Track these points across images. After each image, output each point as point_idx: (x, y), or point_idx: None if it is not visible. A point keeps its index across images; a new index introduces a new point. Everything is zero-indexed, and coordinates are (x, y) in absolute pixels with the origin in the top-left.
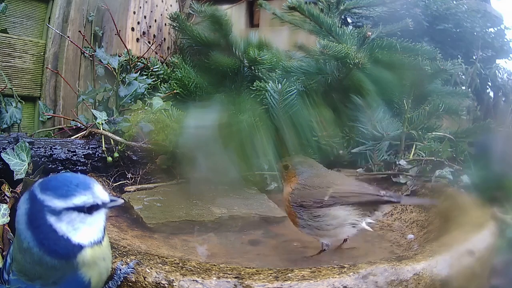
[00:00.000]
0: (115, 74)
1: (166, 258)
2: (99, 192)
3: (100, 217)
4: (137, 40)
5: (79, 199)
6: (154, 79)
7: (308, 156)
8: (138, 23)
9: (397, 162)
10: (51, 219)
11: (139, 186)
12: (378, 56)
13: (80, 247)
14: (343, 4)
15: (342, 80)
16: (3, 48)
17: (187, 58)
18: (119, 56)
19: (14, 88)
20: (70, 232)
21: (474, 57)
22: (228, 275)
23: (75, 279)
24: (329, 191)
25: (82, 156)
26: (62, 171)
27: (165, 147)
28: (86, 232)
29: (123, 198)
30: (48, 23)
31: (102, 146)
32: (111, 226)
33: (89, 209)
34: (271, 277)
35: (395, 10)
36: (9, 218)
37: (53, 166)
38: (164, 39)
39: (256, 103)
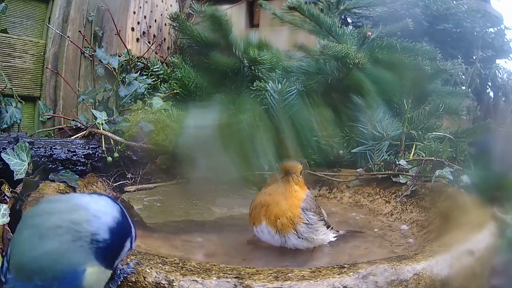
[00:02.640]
0: (115, 74)
1: (166, 258)
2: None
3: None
4: (137, 40)
5: (133, 245)
6: (154, 79)
7: (308, 156)
8: (138, 23)
9: (397, 162)
10: (127, 244)
11: (139, 186)
12: (378, 56)
13: (110, 269)
14: (343, 4)
15: (342, 80)
16: (3, 48)
17: (187, 58)
18: (119, 56)
19: (14, 88)
20: (119, 257)
21: (474, 57)
22: (228, 275)
23: (75, 277)
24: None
25: (82, 156)
26: (62, 171)
27: (165, 147)
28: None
29: (122, 198)
30: (48, 23)
31: (102, 146)
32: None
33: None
34: (271, 277)
35: (395, 10)
36: (9, 218)
37: (53, 166)
38: (164, 39)
39: (256, 103)
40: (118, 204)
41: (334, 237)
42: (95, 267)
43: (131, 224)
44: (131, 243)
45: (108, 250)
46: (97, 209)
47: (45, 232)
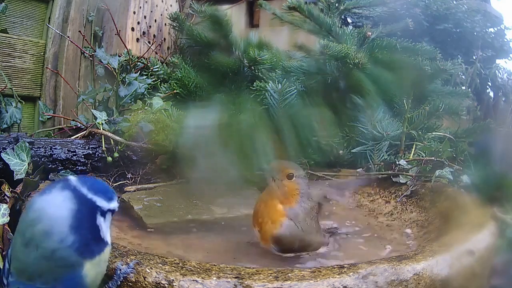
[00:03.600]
0: (115, 74)
1: (166, 258)
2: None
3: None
4: (137, 40)
5: (115, 203)
6: (154, 79)
7: (308, 156)
8: (138, 23)
9: (397, 162)
10: (100, 220)
11: (139, 186)
12: (378, 56)
13: (106, 245)
14: (343, 4)
15: (342, 80)
16: (3, 48)
17: (187, 58)
18: (119, 56)
19: (14, 88)
20: (104, 231)
21: (474, 57)
22: (228, 275)
23: (77, 276)
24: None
25: (82, 156)
26: (62, 171)
27: (165, 147)
28: (109, 232)
29: (122, 199)
30: (48, 23)
31: (102, 146)
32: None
33: (114, 212)
34: (271, 277)
35: (395, 10)
36: (9, 218)
37: (53, 166)
38: (164, 39)
39: (256, 103)
40: (70, 186)
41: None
42: (92, 261)
43: (92, 197)
44: (102, 212)
45: (83, 243)
46: (53, 216)
47: (27, 241)
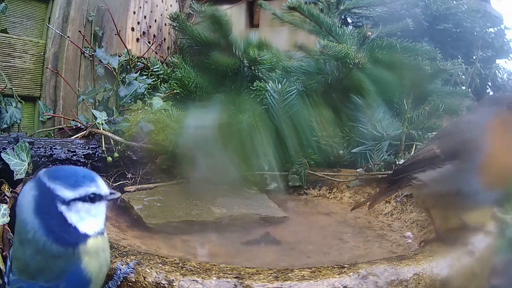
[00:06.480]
0: (115, 74)
1: (166, 258)
2: (102, 185)
3: (102, 209)
4: (137, 40)
5: (85, 190)
6: (154, 79)
7: (308, 156)
8: (138, 23)
9: (397, 162)
10: (62, 208)
11: (139, 186)
12: (378, 56)
13: (86, 237)
14: (343, 4)
15: (342, 80)
16: (3, 48)
17: (187, 58)
18: (119, 56)
19: (14, 88)
20: (77, 222)
21: (474, 57)
22: (228, 275)
23: (78, 271)
24: None
25: (82, 156)
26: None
27: (165, 147)
28: (91, 222)
29: (122, 199)
30: (48, 23)
31: (102, 146)
32: (111, 226)
33: (93, 199)
34: (271, 277)
35: (395, 10)
36: (9, 218)
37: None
38: (164, 39)
39: (256, 103)
40: (36, 176)
41: None
42: (89, 252)
43: (50, 184)
44: (63, 201)
45: (49, 228)
46: (23, 204)
47: (20, 239)
